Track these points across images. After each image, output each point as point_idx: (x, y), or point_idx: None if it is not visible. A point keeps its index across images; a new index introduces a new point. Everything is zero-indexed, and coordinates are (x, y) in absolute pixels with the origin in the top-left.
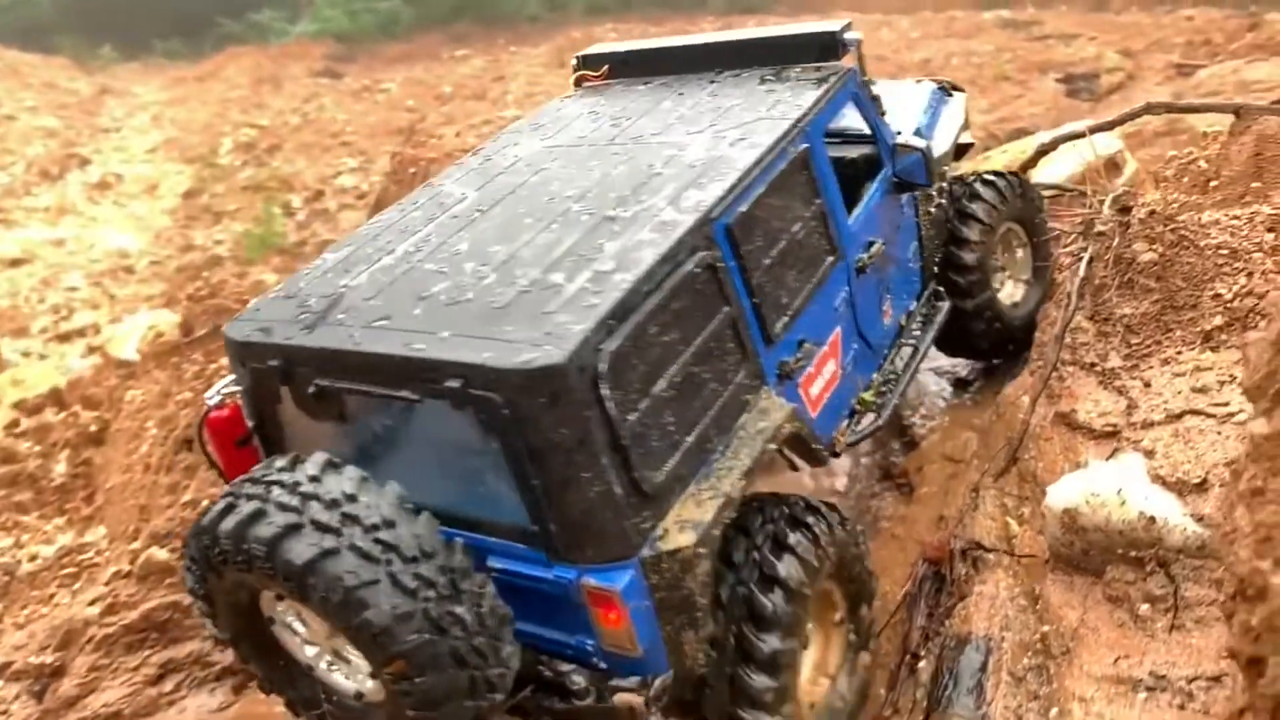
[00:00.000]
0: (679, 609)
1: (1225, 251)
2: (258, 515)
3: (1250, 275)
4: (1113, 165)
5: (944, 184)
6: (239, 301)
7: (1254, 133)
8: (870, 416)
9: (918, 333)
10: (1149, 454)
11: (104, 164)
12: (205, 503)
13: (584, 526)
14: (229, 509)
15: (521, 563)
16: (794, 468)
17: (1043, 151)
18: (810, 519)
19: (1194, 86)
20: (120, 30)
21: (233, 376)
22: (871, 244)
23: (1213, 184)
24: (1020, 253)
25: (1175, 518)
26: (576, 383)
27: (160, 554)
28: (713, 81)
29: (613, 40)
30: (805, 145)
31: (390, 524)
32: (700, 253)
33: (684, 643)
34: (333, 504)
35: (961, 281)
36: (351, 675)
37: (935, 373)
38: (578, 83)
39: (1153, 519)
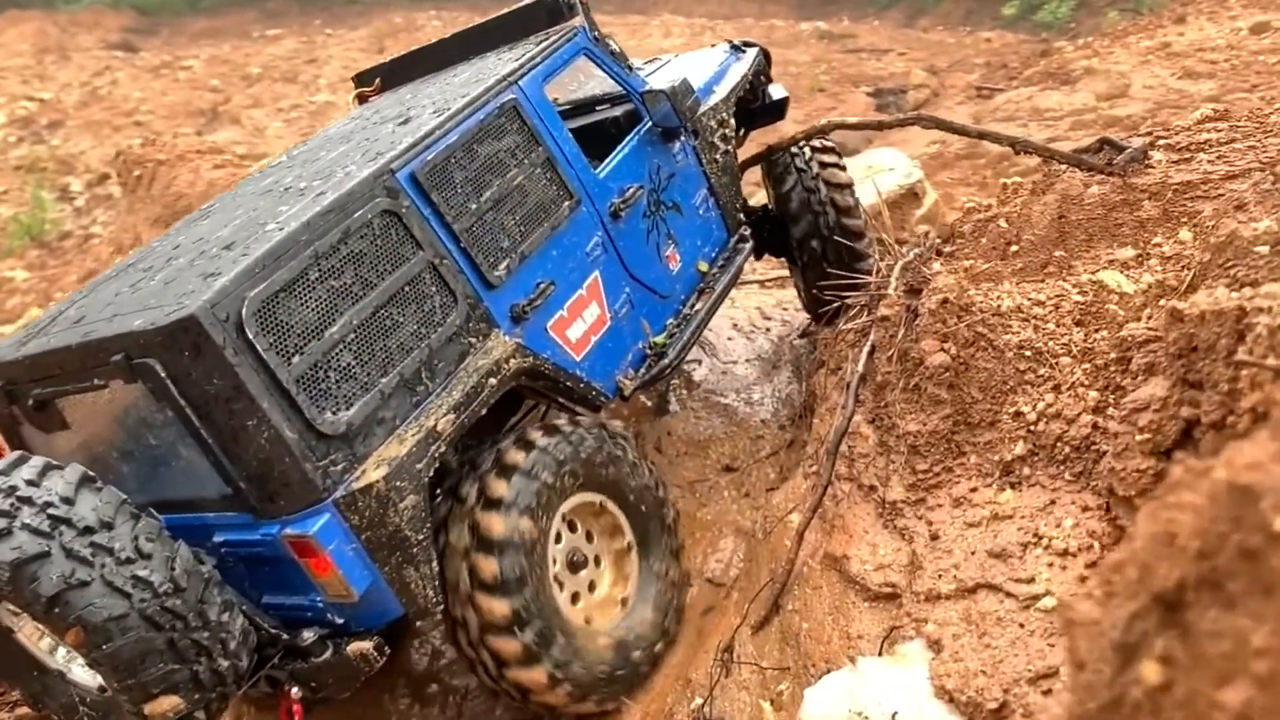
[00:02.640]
0: (390, 546)
1: (1028, 353)
2: None
3: (1058, 389)
4: (912, 195)
5: (726, 131)
6: None
7: (1058, 192)
8: (660, 360)
9: (717, 273)
10: (934, 646)
11: None
12: None
13: (267, 476)
14: None
15: (236, 530)
16: (573, 412)
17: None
18: (542, 439)
19: (991, 110)
20: None
21: None
22: (628, 189)
23: (1013, 248)
24: None
25: None
26: (217, 332)
27: None
28: (464, 65)
29: (435, 25)
30: (512, 97)
31: (67, 501)
32: (375, 200)
33: (408, 581)
34: (10, 490)
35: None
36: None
37: (698, 450)
38: (359, 100)
39: None
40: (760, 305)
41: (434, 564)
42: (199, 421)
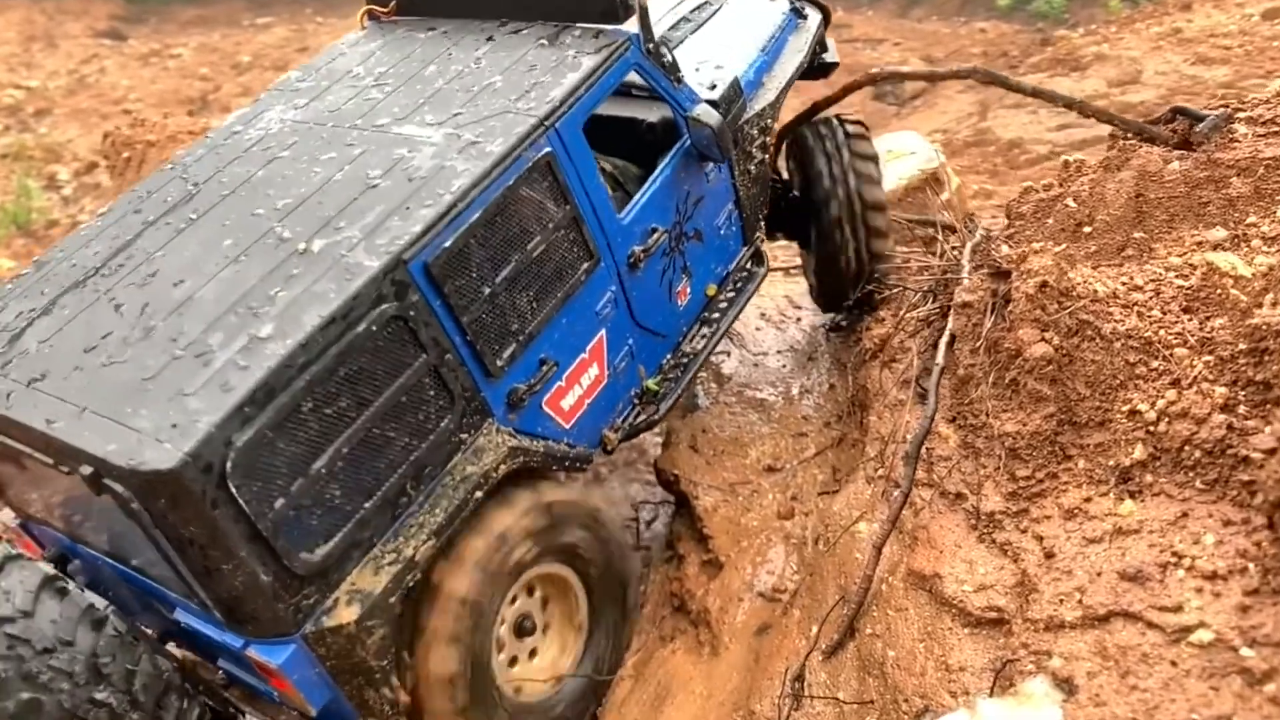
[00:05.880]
0: (354, 673)
1: (1136, 343)
2: None
3: (1177, 384)
4: (934, 180)
5: (767, 138)
6: None
7: (1134, 168)
8: (650, 409)
9: (724, 305)
10: (1064, 684)
11: None
12: None
13: (237, 608)
14: None
15: (200, 621)
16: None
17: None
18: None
19: (999, 96)
20: None
21: None
22: (653, 231)
23: (1086, 229)
24: None
25: None
26: (197, 485)
27: None
28: (490, 39)
29: None
30: (548, 151)
31: (26, 614)
32: (384, 305)
33: (368, 699)
34: None
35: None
36: None
37: (737, 449)
38: (367, 16)
39: None
40: (788, 294)
41: (394, 681)
42: (172, 551)
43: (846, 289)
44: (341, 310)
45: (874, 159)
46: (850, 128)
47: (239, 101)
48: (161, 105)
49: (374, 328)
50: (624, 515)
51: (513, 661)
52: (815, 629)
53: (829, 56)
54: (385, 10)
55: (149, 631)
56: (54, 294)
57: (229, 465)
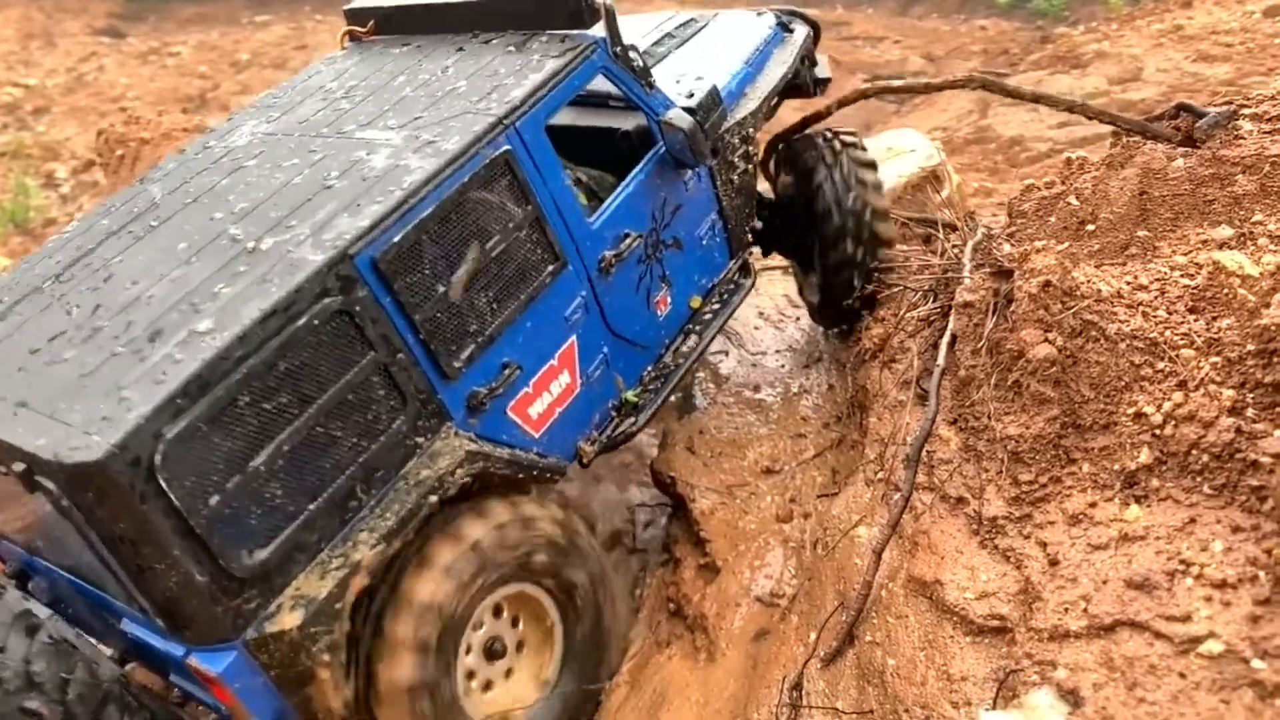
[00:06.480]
0: (300, 681)
1: (1142, 344)
2: None
3: (1184, 386)
4: (934, 178)
5: (750, 148)
6: None
7: (1138, 165)
8: (628, 421)
9: (708, 317)
10: (1069, 696)
11: None
12: None
13: (174, 611)
14: None
15: (144, 630)
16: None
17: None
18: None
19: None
20: None
21: None
22: (625, 236)
23: (1089, 228)
24: None
25: None
26: (124, 478)
27: None
28: (460, 49)
29: None
30: (506, 148)
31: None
32: (327, 299)
33: (315, 709)
34: None
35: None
36: None
37: (734, 450)
38: (347, 37)
39: None
40: (787, 293)
41: (344, 694)
42: (105, 550)
43: (849, 301)
44: (283, 303)
45: (873, 166)
46: (846, 138)
47: (238, 100)
48: (160, 103)
49: (316, 321)
50: (620, 517)
51: (484, 686)
52: (814, 635)
53: (820, 72)
54: (364, 30)
55: (94, 642)
56: (11, 301)
57: (158, 458)
